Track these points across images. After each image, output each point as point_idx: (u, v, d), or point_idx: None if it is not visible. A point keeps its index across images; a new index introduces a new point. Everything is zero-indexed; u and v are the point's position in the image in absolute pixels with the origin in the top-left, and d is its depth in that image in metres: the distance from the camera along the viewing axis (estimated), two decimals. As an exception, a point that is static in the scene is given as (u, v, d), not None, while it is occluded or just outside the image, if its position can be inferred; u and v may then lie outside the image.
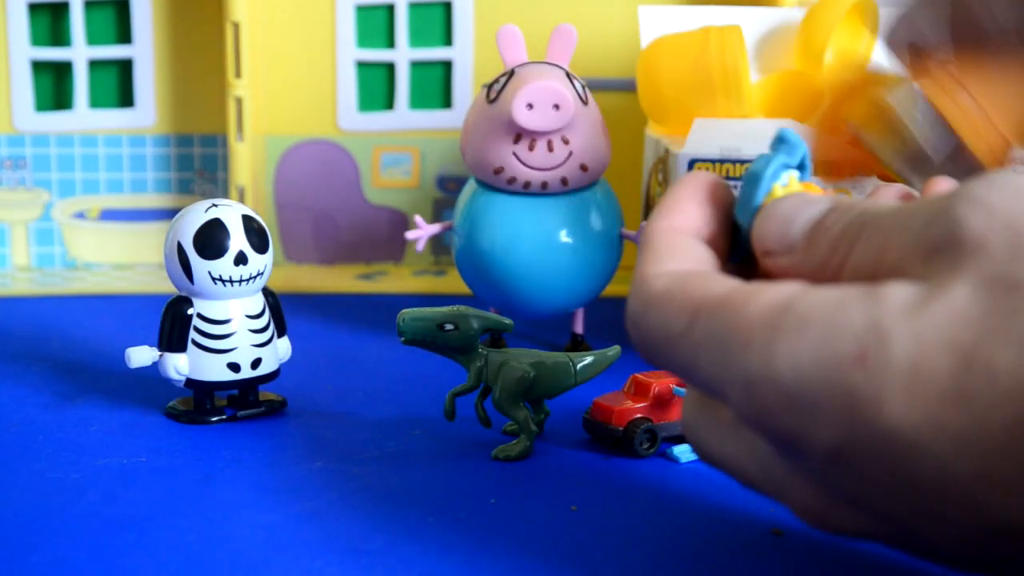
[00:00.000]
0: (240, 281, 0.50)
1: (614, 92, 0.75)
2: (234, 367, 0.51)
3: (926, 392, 0.27)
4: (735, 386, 0.30)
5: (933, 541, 0.30)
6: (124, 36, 0.78)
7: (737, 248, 0.36)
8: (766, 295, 0.30)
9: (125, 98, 0.79)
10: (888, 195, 0.39)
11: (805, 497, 0.32)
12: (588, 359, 0.49)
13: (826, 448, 0.29)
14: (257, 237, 0.51)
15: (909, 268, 0.29)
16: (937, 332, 0.28)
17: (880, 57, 0.51)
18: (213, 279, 0.50)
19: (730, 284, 0.32)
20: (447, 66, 0.78)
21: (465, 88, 0.78)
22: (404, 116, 0.79)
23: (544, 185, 0.57)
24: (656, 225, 0.35)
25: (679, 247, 0.34)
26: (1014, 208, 0.28)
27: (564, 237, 0.58)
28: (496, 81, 0.58)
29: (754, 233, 0.34)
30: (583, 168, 0.57)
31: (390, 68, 0.78)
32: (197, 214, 0.51)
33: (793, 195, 0.34)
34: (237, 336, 0.51)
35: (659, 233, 0.35)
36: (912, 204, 0.31)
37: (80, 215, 0.79)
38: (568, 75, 0.57)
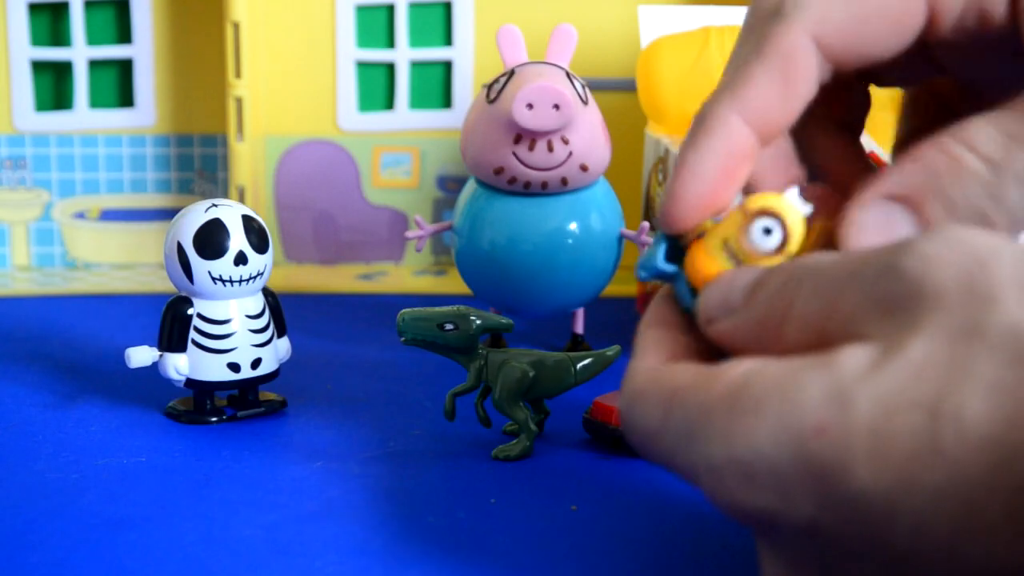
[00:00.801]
0: (240, 281, 0.50)
1: (614, 92, 0.75)
2: (234, 367, 0.51)
3: (893, 453, 0.27)
4: (703, 473, 0.30)
5: None
6: (124, 36, 0.78)
7: None
8: (725, 376, 0.30)
9: (125, 98, 0.79)
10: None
11: (776, 568, 0.32)
12: (588, 359, 0.49)
13: (802, 523, 0.29)
14: (257, 237, 0.51)
15: (863, 326, 0.29)
16: (898, 391, 0.27)
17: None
18: (213, 279, 0.50)
19: (696, 370, 0.32)
20: (447, 66, 0.78)
21: (465, 88, 0.78)
22: (404, 116, 0.79)
23: (544, 185, 0.57)
24: (645, 316, 0.35)
25: (661, 337, 0.34)
26: (966, 262, 0.28)
27: (564, 237, 0.58)
28: (496, 81, 0.58)
29: (699, 306, 0.34)
30: (583, 168, 0.57)
31: (390, 68, 0.78)
32: (197, 214, 0.51)
33: (734, 269, 0.34)
34: (237, 336, 0.51)
35: (645, 324, 0.35)
36: (857, 256, 0.30)
37: (80, 215, 0.79)
38: (568, 75, 0.57)
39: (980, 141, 0.32)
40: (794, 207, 0.34)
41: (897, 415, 0.27)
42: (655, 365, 0.33)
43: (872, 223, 0.33)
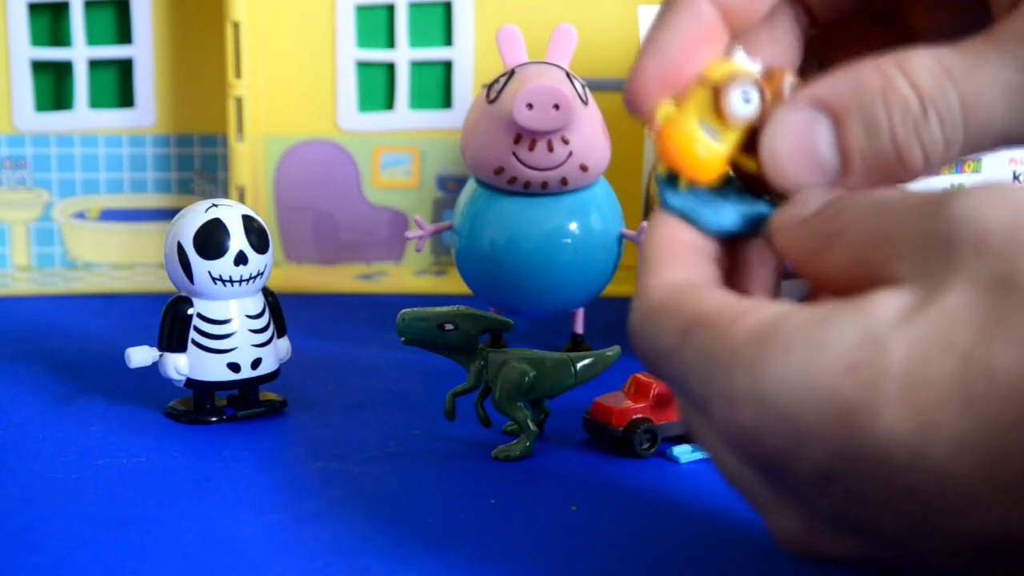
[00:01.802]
0: (240, 281, 0.50)
1: (614, 92, 0.75)
2: (234, 367, 0.51)
3: (923, 397, 0.27)
4: (718, 405, 0.30)
5: (927, 558, 0.29)
6: (124, 36, 0.78)
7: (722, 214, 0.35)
8: (754, 315, 0.30)
9: (125, 98, 0.79)
10: None
11: (788, 522, 0.32)
12: (588, 359, 0.49)
13: (817, 468, 0.29)
14: (257, 237, 0.51)
15: (903, 264, 0.29)
16: (932, 336, 0.27)
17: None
18: (213, 279, 0.50)
19: (721, 300, 0.31)
20: (447, 66, 0.78)
21: (465, 88, 0.78)
22: (404, 116, 0.79)
23: (544, 185, 0.57)
24: (654, 232, 0.34)
25: (677, 255, 0.34)
26: (1011, 213, 0.28)
27: (564, 237, 0.58)
28: (496, 81, 0.58)
29: (776, 215, 0.33)
30: (583, 168, 0.57)
31: (390, 68, 0.78)
32: (197, 214, 0.51)
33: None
34: (237, 336, 0.51)
35: (658, 241, 0.34)
36: (915, 195, 0.30)
37: (80, 215, 0.79)
38: (568, 75, 0.57)
39: (917, 70, 0.31)
40: (752, 68, 0.33)
41: (930, 360, 0.27)
42: (669, 283, 0.33)
43: (793, 126, 0.32)
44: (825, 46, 0.38)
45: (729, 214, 0.34)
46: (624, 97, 0.35)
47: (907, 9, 0.37)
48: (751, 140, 0.34)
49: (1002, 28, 0.32)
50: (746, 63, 0.34)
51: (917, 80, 0.31)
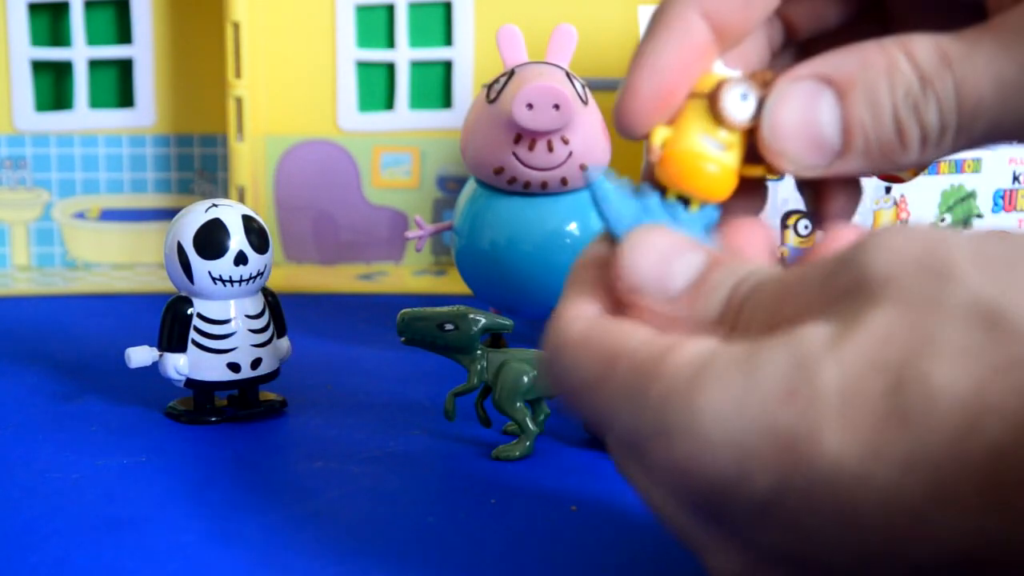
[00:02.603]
0: (240, 281, 0.50)
1: (614, 92, 0.75)
2: (234, 367, 0.51)
3: (861, 418, 0.26)
4: (652, 440, 0.29)
5: None
6: (124, 36, 0.78)
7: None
8: (684, 349, 0.29)
9: (125, 98, 0.79)
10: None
11: (726, 563, 0.31)
12: (588, 359, 0.49)
13: (759, 500, 0.28)
14: (257, 237, 0.51)
15: (815, 316, 0.28)
16: (862, 357, 0.27)
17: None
18: (213, 279, 0.50)
19: (647, 335, 0.30)
20: (447, 66, 0.78)
21: (465, 88, 0.78)
22: (404, 116, 0.79)
23: (544, 185, 0.57)
24: (576, 261, 0.34)
25: (594, 286, 0.33)
26: (918, 248, 0.28)
27: (564, 237, 0.58)
28: (496, 81, 0.58)
29: (621, 264, 0.32)
30: (583, 168, 0.57)
31: (390, 68, 0.78)
32: (197, 214, 0.51)
33: (663, 237, 0.32)
34: (237, 336, 0.51)
35: (582, 265, 0.33)
36: (804, 265, 0.30)
37: (80, 215, 0.79)
38: (568, 75, 0.57)
39: (918, 52, 0.31)
40: (736, 74, 0.33)
41: (864, 380, 0.27)
42: (592, 315, 0.32)
43: (798, 98, 0.32)
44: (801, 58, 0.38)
45: (694, 232, 0.33)
46: (615, 118, 0.34)
47: (894, 27, 0.37)
48: (751, 152, 0.33)
49: (999, 20, 0.32)
50: (729, 71, 0.34)
51: (919, 62, 0.31)
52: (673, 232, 0.32)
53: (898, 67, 0.31)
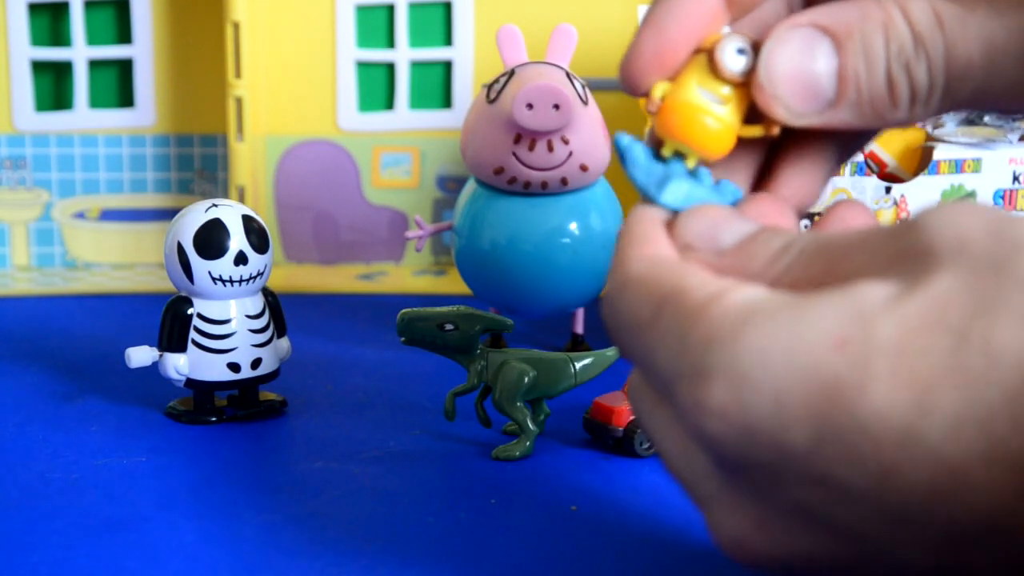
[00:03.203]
0: (240, 281, 0.50)
1: (614, 92, 0.75)
2: (234, 367, 0.51)
3: (916, 372, 0.26)
4: (690, 380, 0.29)
5: (894, 558, 0.28)
6: (124, 36, 0.78)
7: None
8: (735, 293, 0.29)
9: (125, 98, 0.79)
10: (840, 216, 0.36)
11: (735, 518, 0.30)
12: (588, 359, 0.49)
13: (796, 447, 0.27)
14: (257, 237, 0.51)
15: (874, 275, 0.28)
16: (923, 316, 0.27)
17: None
18: (213, 279, 0.50)
19: (702, 277, 0.30)
20: (447, 66, 0.78)
21: (465, 88, 0.78)
22: (404, 116, 0.79)
23: (544, 185, 0.57)
24: (639, 208, 0.34)
25: (660, 230, 0.33)
26: (986, 220, 0.28)
27: (564, 237, 0.58)
28: (496, 81, 0.58)
29: (678, 228, 0.33)
30: (583, 168, 0.57)
31: (390, 68, 0.78)
32: (197, 214, 0.51)
33: (714, 207, 0.33)
34: (237, 336, 0.51)
35: (642, 215, 0.34)
36: (863, 230, 0.30)
37: (80, 215, 0.79)
38: (568, 75, 0.57)
39: (914, 11, 0.32)
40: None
41: (923, 336, 0.26)
42: (650, 255, 0.32)
43: (795, 43, 0.32)
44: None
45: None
46: (620, 73, 0.34)
47: None
48: (751, 115, 0.34)
49: None
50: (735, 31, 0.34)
51: (914, 21, 0.32)
52: (718, 207, 0.33)
53: (894, 23, 0.32)
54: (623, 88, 0.35)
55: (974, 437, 0.26)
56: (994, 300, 0.26)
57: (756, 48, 0.33)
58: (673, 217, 0.33)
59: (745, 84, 0.33)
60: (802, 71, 0.32)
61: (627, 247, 0.33)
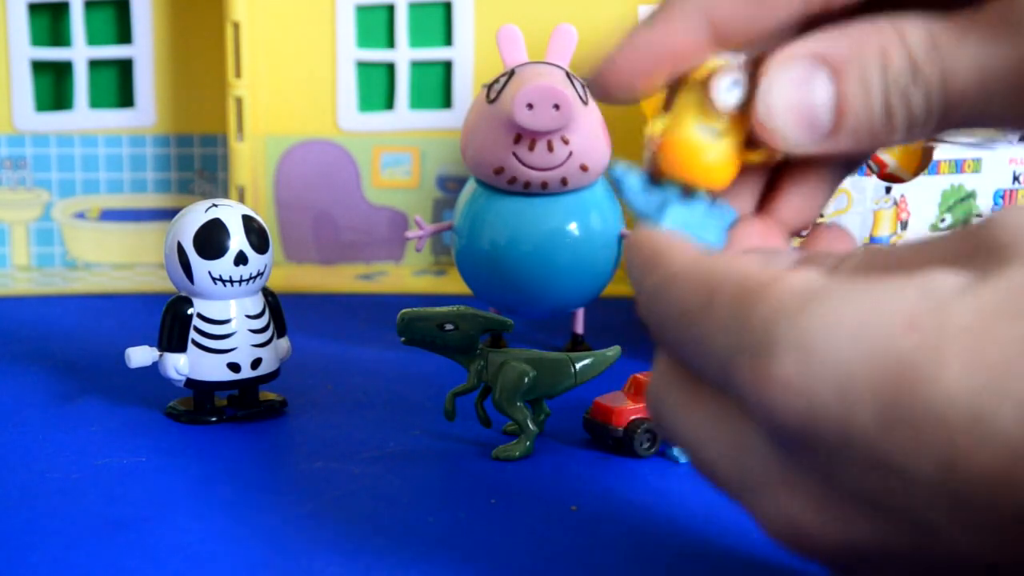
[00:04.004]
0: (240, 281, 0.50)
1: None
2: (234, 367, 0.51)
3: (990, 357, 0.26)
4: (753, 358, 0.28)
5: (949, 548, 0.28)
6: (124, 36, 0.78)
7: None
8: (796, 275, 0.29)
9: (125, 98, 0.79)
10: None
11: (790, 502, 0.29)
12: (588, 359, 0.49)
13: (861, 428, 0.27)
14: (257, 237, 0.51)
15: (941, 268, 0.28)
16: (998, 303, 0.26)
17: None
18: (213, 279, 0.50)
19: (758, 264, 0.30)
20: (447, 66, 0.78)
21: (465, 88, 0.78)
22: (404, 116, 0.79)
23: (544, 185, 0.57)
24: (647, 228, 0.34)
25: (683, 240, 0.33)
26: None
27: (564, 237, 0.58)
28: (496, 81, 0.58)
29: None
30: (583, 168, 0.57)
31: (390, 68, 0.78)
32: (197, 214, 0.51)
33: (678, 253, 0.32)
34: (237, 336, 0.51)
35: (655, 230, 0.33)
36: (926, 238, 0.30)
37: (80, 215, 0.79)
38: (568, 75, 0.57)
39: (911, 37, 0.32)
40: (735, 60, 0.33)
41: (997, 322, 0.26)
42: (693, 254, 0.32)
43: (793, 76, 0.32)
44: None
45: (714, 231, 0.34)
46: (589, 79, 0.34)
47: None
48: (752, 138, 0.34)
49: (989, 9, 0.32)
50: (729, 57, 0.34)
51: (911, 47, 0.32)
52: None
53: (891, 51, 0.32)
54: (591, 91, 0.35)
55: None
56: None
57: (753, 68, 0.33)
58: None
59: (743, 113, 0.33)
60: (800, 104, 0.32)
61: (660, 252, 0.32)
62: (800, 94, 0.32)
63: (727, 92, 0.33)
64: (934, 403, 0.26)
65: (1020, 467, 0.26)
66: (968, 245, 0.28)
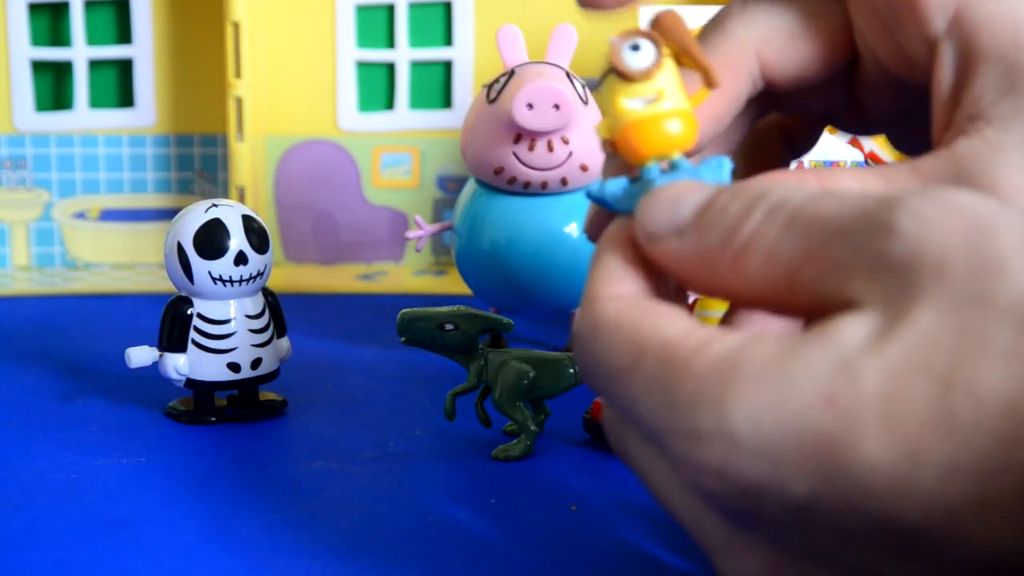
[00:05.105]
0: (240, 281, 0.50)
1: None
2: (234, 367, 0.51)
3: (904, 423, 0.26)
4: (681, 439, 0.29)
5: None
6: (124, 36, 0.78)
7: None
8: (716, 345, 0.29)
9: (125, 98, 0.79)
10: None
11: (747, 563, 0.30)
12: (588, 359, 0.49)
13: (796, 502, 0.27)
14: (257, 237, 0.51)
15: (853, 284, 0.28)
16: (908, 360, 0.26)
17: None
18: (213, 279, 0.50)
19: (682, 326, 0.30)
20: (447, 66, 0.78)
21: (465, 88, 0.78)
22: (404, 116, 0.79)
23: (544, 185, 0.57)
24: (610, 232, 0.33)
25: (632, 261, 0.32)
26: (968, 229, 0.27)
27: (564, 237, 0.58)
28: (496, 81, 0.58)
29: (637, 219, 0.32)
30: (583, 168, 0.57)
31: (390, 68, 0.78)
32: (197, 214, 0.51)
33: (681, 181, 0.32)
34: (237, 336, 0.51)
35: (613, 241, 0.33)
36: (843, 202, 0.29)
37: (80, 215, 0.79)
38: (568, 75, 0.57)
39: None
40: (651, 34, 0.34)
41: (908, 384, 0.26)
42: (625, 295, 0.31)
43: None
44: (781, 100, 0.39)
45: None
46: None
47: (860, 91, 0.38)
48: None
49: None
50: (623, 31, 0.34)
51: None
52: (686, 181, 0.32)
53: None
54: (580, 3, 0.36)
55: (968, 484, 0.26)
56: (977, 338, 0.26)
57: (651, 36, 0.33)
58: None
59: (659, 65, 0.33)
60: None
61: (597, 285, 0.32)
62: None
63: (631, 57, 0.33)
64: (859, 474, 0.26)
65: (949, 524, 0.26)
66: (879, 249, 0.28)
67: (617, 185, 0.33)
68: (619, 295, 0.32)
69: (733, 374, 0.28)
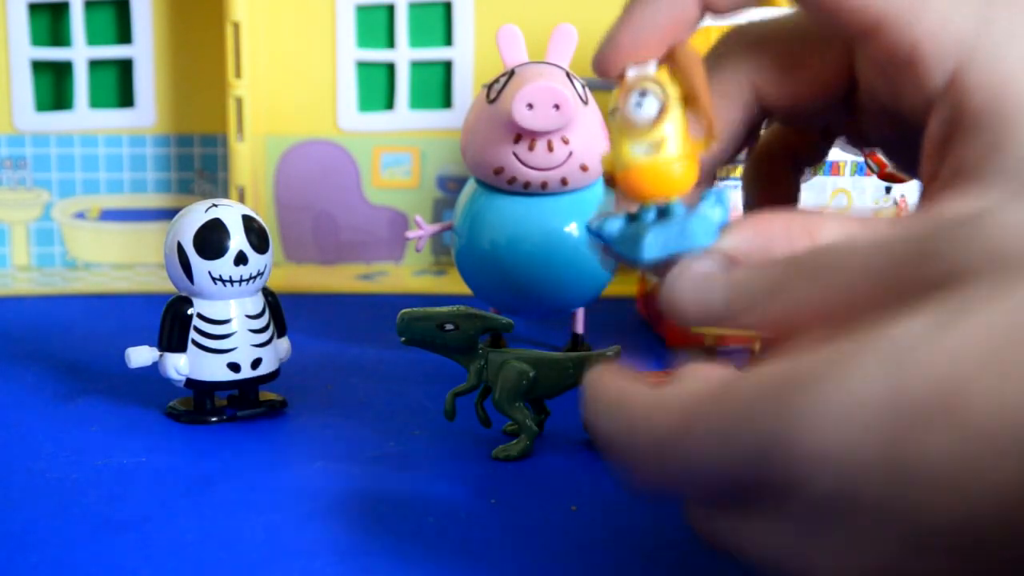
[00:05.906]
0: (240, 281, 0.50)
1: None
2: (234, 367, 0.51)
3: (1013, 371, 0.25)
4: (756, 460, 0.28)
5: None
6: (124, 36, 0.78)
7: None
8: (756, 373, 0.29)
9: (125, 98, 0.79)
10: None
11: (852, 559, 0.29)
12: (588, 359, 0.49)
13: (869, 500, 0.27)
14: (257, 237, 0.51)
15: (906, 306, 0.28)
16: (998, 328, 0.26)
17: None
18: (213, 279, 0.50)
19: (716, 376, 0.31)
20: (447, 66, 0.78)
21: (465, 88, 0.78)
22: (404, 116, 0.79)
23: (544, 185, 0.57)
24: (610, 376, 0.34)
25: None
26: (1002, 238, 0.27)
27: (564, 237, 0.58)
28: (496, 81, 0.58)
29: (668, 297, 0.33)
30: (583, 168, 0.57)
31: (390, 68, 0.78)
32: (197, 214, 0.51)
33: (687, 266, 0.33)
34: (237, 336, 0.51)
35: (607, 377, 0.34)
36: (872, 242, 0.30)
37: (80, 215, 0.79)
38: (568, 75, 0.57)
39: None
40: (661, 80, 0.34)
41: (1010, 345, 0.26)
42: (628, 379, 0.33)
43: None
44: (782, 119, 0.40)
45: (703, 233, 0.34)
46: (594, 61, 0.36)
47: (858, 115, 0.39)
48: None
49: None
50: (633, 71, 0.35)
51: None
52: (706, 257, 0.33)
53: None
54: (595, 69, 0.36)
55: None
56: None
57: (667, 60, 0.34)
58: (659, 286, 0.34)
59: (664, 114, 0.34)
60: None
61: (607, 382, 0.33)
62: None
63: (637, 108, 0.34)
64: (975, 431, 0.26)
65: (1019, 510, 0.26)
66: (931, 271, 0.28)
67: (614, 225, 0.34)
68: (624, 379, 0.33)
69: (785, 385, 0.28)
